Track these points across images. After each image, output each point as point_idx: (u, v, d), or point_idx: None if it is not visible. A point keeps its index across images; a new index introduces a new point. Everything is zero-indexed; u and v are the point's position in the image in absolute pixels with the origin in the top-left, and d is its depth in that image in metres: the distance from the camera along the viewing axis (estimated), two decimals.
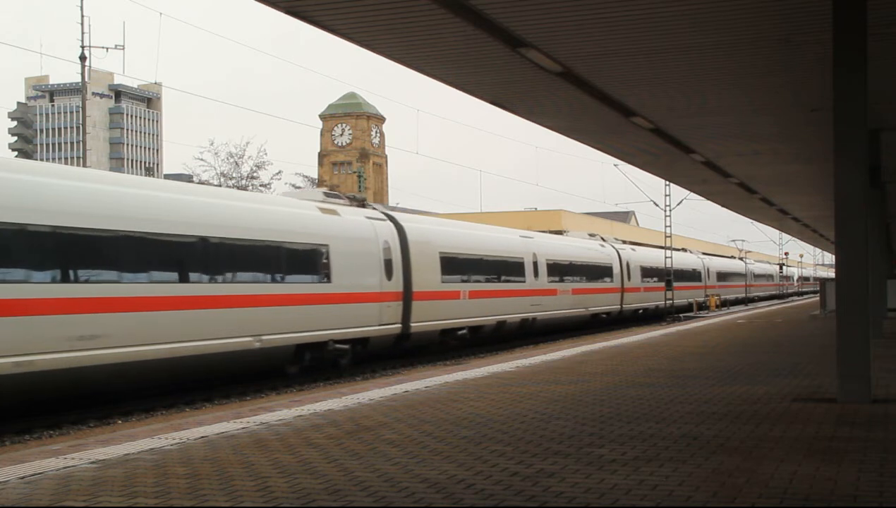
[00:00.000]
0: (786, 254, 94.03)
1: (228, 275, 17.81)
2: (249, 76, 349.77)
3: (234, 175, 68.10)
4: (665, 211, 47.82)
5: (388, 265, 22.86)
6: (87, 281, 15.02)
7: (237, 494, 5.80)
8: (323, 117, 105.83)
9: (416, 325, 23.74)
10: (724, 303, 56.40)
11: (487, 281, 28.40)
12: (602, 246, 40.48)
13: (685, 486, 5.79)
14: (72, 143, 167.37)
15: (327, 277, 20.58)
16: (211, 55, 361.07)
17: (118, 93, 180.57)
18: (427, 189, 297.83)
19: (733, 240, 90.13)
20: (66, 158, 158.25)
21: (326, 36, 11.85)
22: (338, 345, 20.56)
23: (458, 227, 29.57)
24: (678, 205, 51.25)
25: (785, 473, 6.12)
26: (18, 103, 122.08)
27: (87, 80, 45.65)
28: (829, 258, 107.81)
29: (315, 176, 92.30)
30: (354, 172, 72.52)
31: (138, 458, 7.18)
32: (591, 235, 43.17)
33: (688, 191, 37.99)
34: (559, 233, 45.07)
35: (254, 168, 69.00)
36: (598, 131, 18.64)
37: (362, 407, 10.00)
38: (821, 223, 44.75)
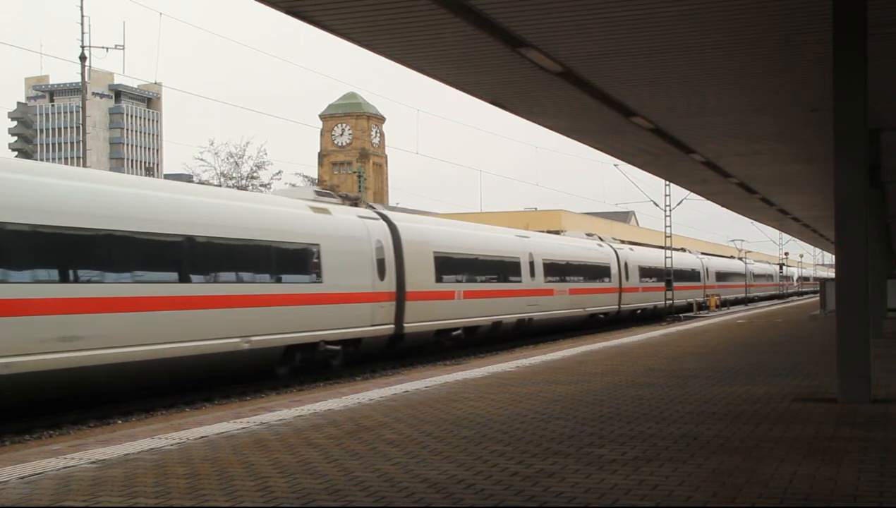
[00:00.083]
0: (786, 253, 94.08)
1: (215, 275, 17.49)
2: (249, 76, 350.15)
3: (234, 175, 68.10)
4: (665, 211, 47.82)
5: (381, 264, 22.59)
6: (66, 282, 14.65)
7: (237, 494, 5.80)
8: (323, 117, 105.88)
9: (409, 326, 23.47)
10: (724, 303, 56.37)
11: (483, 281, 28.17)
12: (600, 245, 40.28)
13: (685, 486, 5.79)
14: (72, 143, 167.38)
15: (318, 277, 20.30)
16: (211, 55, 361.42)
17: (118, 93, 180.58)
18: (427, 189, 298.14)
19: (732, 240, 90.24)
20: (66, 158, 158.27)
21: (326, 36, 11.85)
22: (329, 346, 20.33)
23: (453, 227, 29.33)
24: (678, 205, 51.29)
25: (785, 473, 6.12)
26: (18, 103, 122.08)
27: (87, 80, 45.65)
28: (829, 258, 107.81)
29: (315, 176, 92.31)
30: (354, 172, 72.52)
31: (138, 458, 7.18)
32: (589, 235, 42.94)
33: (688, 191, 37.99)
34: (556, 232, 44.86)
35: (254, 168, 69.01)
36: (598, 131, 18.64)
37: (362, 407, 10.00)
38: (821, 223, 44.76)
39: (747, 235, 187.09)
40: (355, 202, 24.92)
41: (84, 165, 49.99)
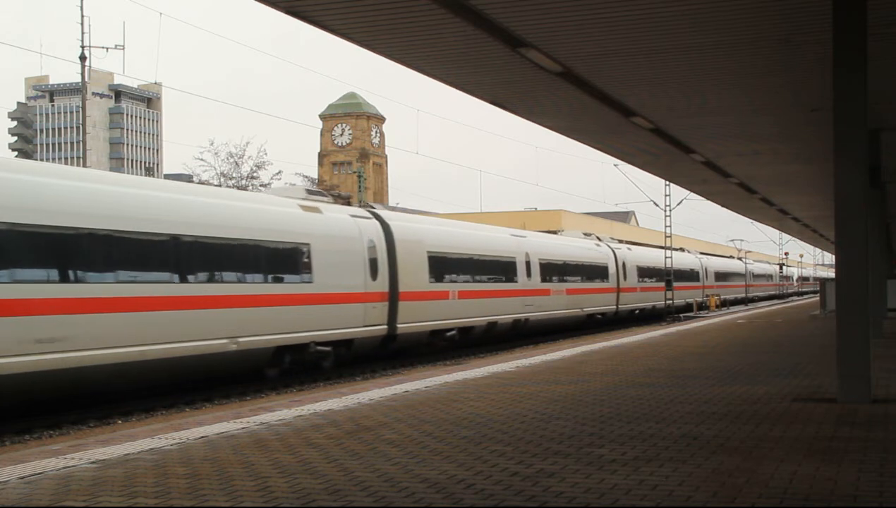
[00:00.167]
0: (786, 253, 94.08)
1: (202, 275, 17.20)
2: (249, 76, 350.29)
3: (234, 175, 68.04)
4: (665, 211, 47.81)
5: (374, 264, 22.31)
6: (44, 282, 14.28)
7: (237, 494, 5.80)
8: (323, 117, 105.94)
9: (402, 326, 23.20)
10: (724, 303, 56.34)
11: (478, 280, 27.90)
12: (597, 245, 40.04)
13: (685, 486, 5.79)
14: (72, 143, 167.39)
15: (308, 277, 20.01)
16: (211, 55, 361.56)
17: (118, 93, 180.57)
18: (427, 189, 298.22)
19: (732, 240, 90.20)
20: (66, 158, 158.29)
21: (326, 36, 11.86)
22: (319, 347, 20.09)
23: (448, 226, 29.07)
24: (678, 205, 51.27)
25: (785, 473, 6.12)
26: (18, 103, 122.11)
27: (87, 80, 45.64)
28: (829, 258, 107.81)
29: (315, 176, 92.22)
30: (354, 172, 72.48)
31: (138, 458, 7.18)
32: (587, 234, 42.66)
33: (688, 191, 37.98)
34: (554, 232, 44.64)
35: (254, 168, 68.91)
36: (598, 131, 18.63)
37: (362, 407, 10.00)
38: (821, 223, 44.76)
39: (747, 235, 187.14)
40: (347, 201, 24.71)
41: (84, 165, 49.98)
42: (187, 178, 65.19)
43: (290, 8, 9.89)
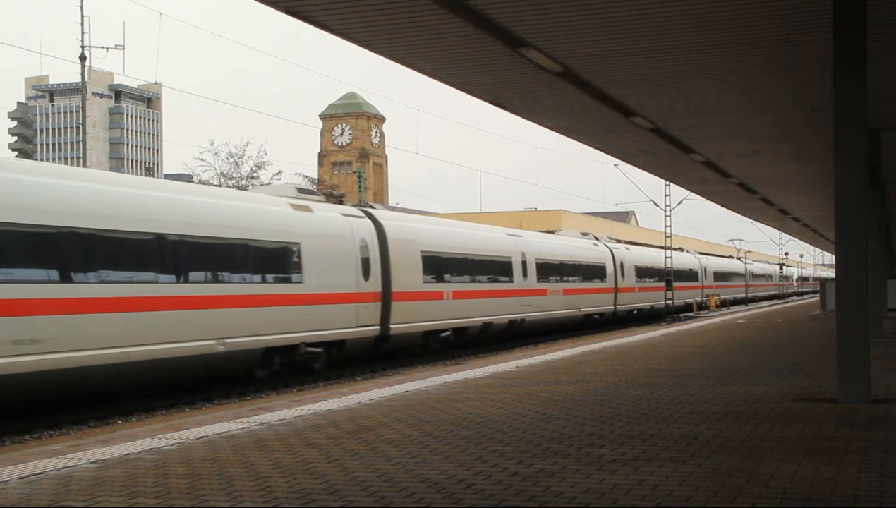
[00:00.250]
0: (786, 253, 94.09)
1: (188, 275, 16.90)
2: (249, 76, 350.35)
3: (234, 175, 68.10)
4: (665, 211, 47.82)
5: (366, 264, 22.02)
6: (23, 282, 13.92)
7: (237, 494, 5.80)
8: (323, 117, 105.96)
9: (395, 327, 22.89)
10: (724, 303, 56.31)
11: (473, 280, 27.56)
12: (595, 244, 39.76)
13: (685, 486, 5.79)
14: (72, 143, 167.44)
15: (298, 276, 19.70)
16: (211, 55, 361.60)
17: (118, 93, 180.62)
18: (427, 189, 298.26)
19: (731, 240, 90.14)
20: (66, 158, 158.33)
21: (326, 36, 11.86)
22: (310, 348, 19.80)
23: (442, 225, 28.73)
24: (678, 205, 51.28)
25: (785, 473, 6.12)
26: (18, 103, 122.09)
27: (87, 80, 45.66)
28: (829, 258, 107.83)
29: (315, 176, 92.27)
30: (354, 172, 72.48)
31: (138, 458, 7.18)
32: (584, 234, 42.33)
33: (688, 191, 37.97)
34: (551, 232, 44.43)
35: (254, 168, 69.00)
36: (598, 131, 18.63)
37: (362, 407, 10.00)
38: (821, 223, 44.76)
39: (747, 235, 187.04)
40: (340, 200, 24.40)
41: (84, 165, 49.99)
42: (187, 178, 65.23)
43: (290, 8, 9.89)
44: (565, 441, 7.51)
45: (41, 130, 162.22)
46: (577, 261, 36.09)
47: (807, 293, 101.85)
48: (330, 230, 21.24)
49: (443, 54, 12.08)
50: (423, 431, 8.17)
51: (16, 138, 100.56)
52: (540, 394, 10.77)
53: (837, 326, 9.73)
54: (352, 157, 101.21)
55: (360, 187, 53.18)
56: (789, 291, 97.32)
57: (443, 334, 25.36)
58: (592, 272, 37.64)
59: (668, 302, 45.55)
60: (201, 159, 74.11)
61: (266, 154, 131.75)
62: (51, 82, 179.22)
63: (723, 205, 37.92)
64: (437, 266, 25.51)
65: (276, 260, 19.39)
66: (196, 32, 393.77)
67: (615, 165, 41.77)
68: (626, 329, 33.15)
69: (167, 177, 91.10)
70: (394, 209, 42.15)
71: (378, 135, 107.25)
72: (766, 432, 7.78)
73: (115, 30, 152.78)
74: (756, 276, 78.36)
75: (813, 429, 7.89)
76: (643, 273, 44.39)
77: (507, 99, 15.19)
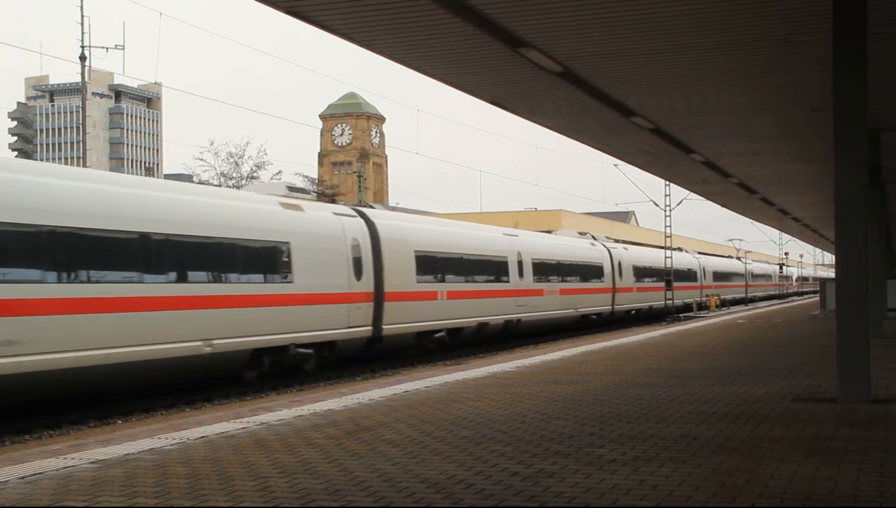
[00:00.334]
0: (786, 253, 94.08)
1: (173, 275, 16.56)
2: (249, 76, 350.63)
3: (234, 175, 68.04)
4: (665, 211, 47.81)
5: (358, 263, 21.72)
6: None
7: (237, 494, 5.80)
8: (323, 117, 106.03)
9: (388, 328, 22.60)
10: (724, 303, 56.27)
11: (468, 280, 27.24)
12: (592, 244, 39.49)
13: (685, 486, 5.79)
14: (72, 143, 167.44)
15: (288, 276, 19.38)
16: (211, 55, 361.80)
17: (118, 93, 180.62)
18: (427, 189, 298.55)
19: (731, 240, 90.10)
20: (66, 158, 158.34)
21: (326, 36, 11.85)
22: (300, 349, 19.52)
23: (436, 225, 28.41)
24: (678, 205, 51.29)
25: (785, 473, 6.12)
26: (18, 103, 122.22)
27: (87, 80, 45.66)
28: (829, 258, 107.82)
29: (315, 176, 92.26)
30: (354, 172, 72.51)
31: (138, 458, 7.18)
32: (582, 233, 42.04)
33: (688, 191, 37.96)
34: (548, 232, 44.18)
35: (254, 168, 68.89)
36: (598, 131, 18.63)
37: (362, 407, 10.00)
38: (821, 223, 44.76)
39: (747, 235, 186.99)
40: (332, 198, 24.16)
41: (84, 165, 49.99)
42: (187, 178, 65.21)
43: (290, 8, 9.89)
44: (565, 441, 7.51)
45: (41, 130, 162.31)
46: (574, 261, 35.81)
47: (807, 293, 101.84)
48: (321, 229, 20.97)
49: (443, 54, 12.08)
50: (423, 431, 8.17)
51: (16, 138, 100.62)
52: (540, 394, 10.77)
53: (837, 326, 9.73)
54: (352, 157, 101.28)
55: (360, 187, 53.20)
56: (789, 291, 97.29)
57: (437, 335, 25.07)
58: (590, 272, 37.38)
59: (668, 302, 45.48)
60: (201, 159, 74.08)
61: (266, 154, 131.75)
62: (51, 82, 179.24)
63: (723, 205, 37.92)
64: (432, 265, 25.24)
65: (265, 259, 19.08)
66: (196, 32, 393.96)
67: (615, 165, 41.76)
68: (627, 329, 33.12)
69: (167, 176, 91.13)
70: (394, 209, 42.11)
71: (378, 135, 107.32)
72: (766, 432, 7.78)
73: (115, 30, 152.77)
74: (756, 276, 78.30)
75: (813, 429, 7.89)
76: (641, 273, 44.17)
77: (507, 99, 15.18)
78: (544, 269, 32.55)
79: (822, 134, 16.29)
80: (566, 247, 36.51)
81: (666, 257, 46.39)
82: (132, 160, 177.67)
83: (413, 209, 58.58)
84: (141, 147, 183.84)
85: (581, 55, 12.06)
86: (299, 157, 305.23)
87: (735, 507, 5.28)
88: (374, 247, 22.62)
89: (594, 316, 37.32)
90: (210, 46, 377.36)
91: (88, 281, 15.04)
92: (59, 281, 14.49)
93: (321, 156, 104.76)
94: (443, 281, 25.71)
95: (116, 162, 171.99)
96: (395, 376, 17.75)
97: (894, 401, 9.60)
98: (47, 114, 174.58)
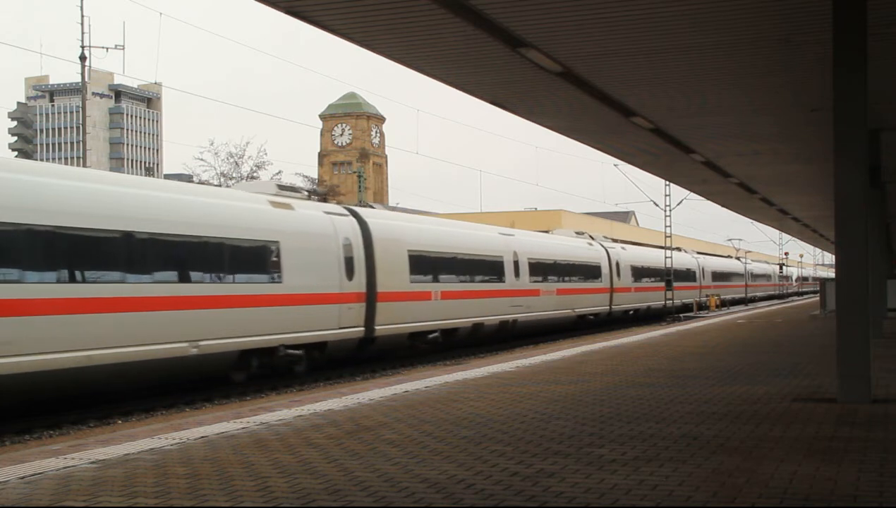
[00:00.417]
0: (786, 253, 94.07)
1: (157, 275, 16.22)
2: (249, 76, 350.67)
3: (234, 175, 68.02)
4: (665, 211, 47.81)
5: (349, 263, 21.38)
6: None
7: (237, 494, 5.80)
8: (323, 117, 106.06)
9: (381, 328, 22.32)
10: (724, 303, 56.25)
11: (462, 280, 26.77)
12: (590, 244, 39.22)
13: (685, 486, 5.79)
14: (72, 143, 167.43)
15: (277, 276, 19.06)
16: (211, 55, 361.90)
17: (118, 93, 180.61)
18: (427, 189, 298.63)
19: (730, 240, 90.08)
20: (66, 158, 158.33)
21: (326, 36, 11.85)
22: (290, 351, 19.22)
23: (430, 224, 28.14)
24: (678, 205, 51.28)
25: (785, 473, 6.12)
26: (18, 103, 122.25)
27: (87, 80, 45.66)
28: (829, 258, 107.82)
29: (315, 176, 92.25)
30: (354, 172, 72.53)
31: (138, 458, 7.18)
32: (579, 233, 41.70)
33: (688, 191, 37.95)
34: (546, 232, 43.95)
35: (254, 168, 68.88)
36: (598, 131, 18.63)
37: (362, 407, 10.00)
38: (821, 223, 44.77)
39: (747, 235, 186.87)
40: (323, 197, 23.90)
41: (84, 165, 49.98)
42: (187, 178, 65.19)
43: (290, 8, 9.89)
44: (565, 441, 7.51)
45: (41, 130, 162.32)
46: (571, 261, 35.52)
47: (807, 293, 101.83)
48: (311, 228, 20.66)
49: (443, 54, 12.08)
50: (423, 431, 8.17)
51: (16, 138, 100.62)
52: (540, 394, 10.77)
53: (837, 326, 9.73)
54: (352, 157, 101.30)
55: (360, 187, 53.23)
56: (789, 291, 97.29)
57: (431, 335, 24.79)
58: (587, 272, 37.10)
59: (668, 302, 45.42)
60: (201, 159, 74.04)
61: (266, 154, 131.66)
62: (51, 82, 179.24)
63: (723, 205, 37.91)
64: (425, 265, 24.93)
65: (254, 258, 18.79)
66: (196, 32, 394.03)
67: (615, 165, 41.71)
68: (626, 329, 33.08)
69: (167, 176, 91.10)
70: (394, 209, 42.08)
71: (378, 135, 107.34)
72: (766, 432, 7.78)
73: (115, 30, 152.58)
74: (755, 276, 78.27)
75: (813, 429, 7.89)
76: (640, 273, 43.92)
77: (507, 99, 15.19)
78: (541, 269, 32.26)
79: (822, 134, 16.29)
80: (563, 246, 36.22)
81: (666, 257, 46.34)
82: (132, 160, 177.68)
83: (413, 209, 58.58)
84: (141, 147, 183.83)
85: (581, 55, 12.06)
86: (299, 157, 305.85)
87: (735, 507, 5.28)
88: (367, 246, 22.34)
89: (591, 317, 37.06)
90: (210, 46, 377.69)
91: (68, 280, 14.68)
92: (35, 281, 14.11)
93: (321, 156, 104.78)
94: (437, 281, 25.41)
95: (116, 162, 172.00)
96: (394, 376, 17.75)
97: (894, 401, 9.60)
98: (47, 114, 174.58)
